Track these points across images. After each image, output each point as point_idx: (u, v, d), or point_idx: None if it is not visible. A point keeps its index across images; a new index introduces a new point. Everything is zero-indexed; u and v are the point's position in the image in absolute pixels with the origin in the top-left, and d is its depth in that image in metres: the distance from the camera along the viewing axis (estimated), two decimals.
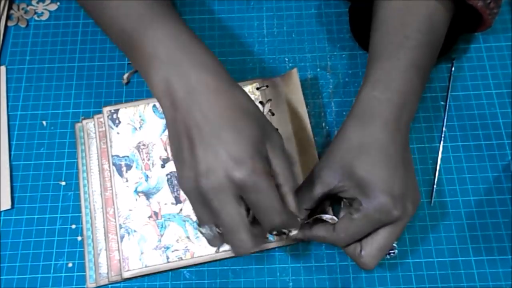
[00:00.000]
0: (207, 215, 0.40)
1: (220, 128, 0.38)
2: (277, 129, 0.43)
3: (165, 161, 0.51)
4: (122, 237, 0.48)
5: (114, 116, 0.52)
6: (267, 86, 0.53)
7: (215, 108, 0.39)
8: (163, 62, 0.41)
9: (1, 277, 0.48)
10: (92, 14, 0.48)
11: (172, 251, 0.48)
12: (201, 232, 0.41)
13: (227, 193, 0.38)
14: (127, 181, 0.50)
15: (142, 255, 0.48)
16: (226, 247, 0.47)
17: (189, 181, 0.39)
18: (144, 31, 0.42)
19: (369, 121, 0.43)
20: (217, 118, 0.38)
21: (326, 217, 0.44)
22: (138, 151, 0.51)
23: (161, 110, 0.44)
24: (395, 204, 0.41)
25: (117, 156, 0.51)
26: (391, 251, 0.45)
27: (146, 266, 0.47)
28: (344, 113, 0.54)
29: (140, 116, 0.52)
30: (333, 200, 0.47)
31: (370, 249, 0.43)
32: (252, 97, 0.53)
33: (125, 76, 0.56)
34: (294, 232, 0.42)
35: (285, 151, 0.42)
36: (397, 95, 0.44)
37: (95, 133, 0.53)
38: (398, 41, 0.46)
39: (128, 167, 0.51)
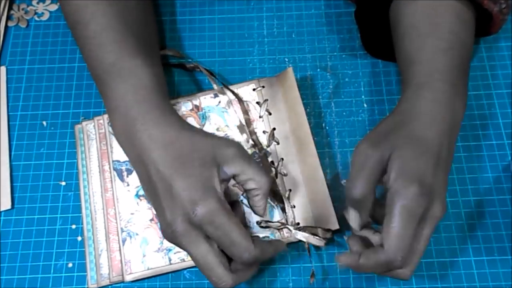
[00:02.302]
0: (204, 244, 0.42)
1: (171, 179, 0.42)
2: (235, 141, 0.46)
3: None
4: (124, 241, 0.48)
5: None
6: (263, 87, 0.54)
7: (165, 163, 0.42)
8: (121, 116, 0.45)
9: (1, 277, 0.48)
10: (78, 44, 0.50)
11: (174, 253, 0.48)
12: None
13: (191, 235, 0.41)
14: (128, 185, 0.50)
15: (145, 257, 0.48)
16: None
17: (164, 233, 0.43)
18: (110, 82, 0.46)
19: (417, 118, 0.43)
20: (167, 170, 0.42)
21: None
22: None
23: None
24: (422, 194, 0.39)
25: (118, 161, 0.51)
26: None
27: (148, 269, 0.47)
28: (344, 113, 0.54)
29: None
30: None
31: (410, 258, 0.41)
32: (249, 98, 0.53)
33: None
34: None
35: (248, 157, 0.44)
36: (443, 95, 0.43)
37: (95, 134, 0.53)
38: (432, 43, 0.46)
39: (129, 171, 0.51)
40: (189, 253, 0.42)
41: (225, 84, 0.54)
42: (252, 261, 0.42)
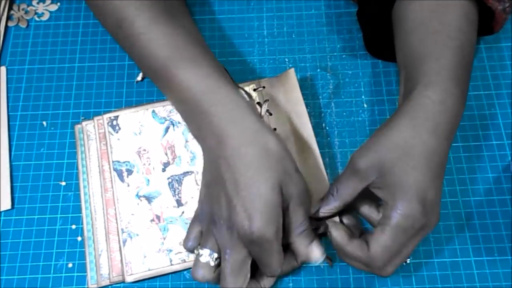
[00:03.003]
0: (214, 241, 0.43)
1: (247, 179, 0.41)
2: (298, 171, 0.44)
3: (165, 165, 0.51)
4: (124, 241, 0.48)
5: (114, 122, 0.52)
6: (264, 87, 0.54)
7: (246, 159, 0.41)
8: (243, 140, 0.42)
9: (1, 277, 0.48)
10: (155, 73, 0.48)
11: (175, 254, 0.48)
12: (196, 254, 0.44)
13: (236, 239, 0.41)
14: (128, 186, 0.50)
15: (145, 258, 0.48)
16: None
17: (209, 211, 0.43)
18: (174, 74, 0.45)
19: (420, 122, 0.42)
20: (247, 169, 0.41)
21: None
22: (139, 156, 0.51)
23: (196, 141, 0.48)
24: (425, 213, 0.40)
25: (118, 161, 0.51)
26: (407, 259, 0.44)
27: (149, 270, 0.47)
28: (344, 113, 0.54)
29: (139, 122, 0.52)
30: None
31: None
32: (248, 99, 0.53)
33: (141, 75, 0.56)
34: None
35: (305, 197, 0.44)
36: (451, 98, 0.42)
37: (94, 134, 0.53)
38: (441, 41, 0.45)
39: (129, 172, 0.51)
40: (225, 245, 0.42)
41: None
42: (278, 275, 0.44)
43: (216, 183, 0.43)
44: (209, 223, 0.43)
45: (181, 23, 0.48)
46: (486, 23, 0.50)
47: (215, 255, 0.43)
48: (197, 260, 0.44)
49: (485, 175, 0.51)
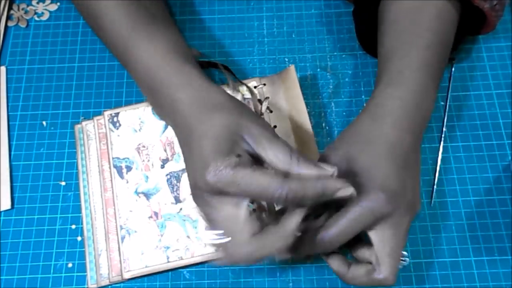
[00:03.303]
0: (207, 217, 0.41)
1: (196, 125, 0.41)
2: (263, 120, 0.43)
3: (164, 162, 0.51)
4: (122, 238, 0.48)
5: (115, 119, 0.52)
6: (264, 84, 0.54)
7: (191, 107, 0.42)
8: (149, 78, 0.44)
9: (1, 277, 0.48)
10: (116, 49, 0.49)
11: (173, 251, 0.48)
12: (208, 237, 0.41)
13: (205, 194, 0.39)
14: (127, 182, 0.50)
15: (143, 255, 0.48)
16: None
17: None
18: (174, 89, 0.44)
19: (380, 118, 0.43)
20: (193, 116, 0.42)
21: None
22: (138, 152, 0.51)
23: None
24: (388, 200, 0.40)
25: (118, 158, 0.51)
26: (402, 260, 0.43)
27: (146, 266, 0.47)
28: (344, 113, 0.54)
29: (139, 118, 0.53)
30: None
31: (383, 260, 0.41)
32: (250, 95, 0.53)
33: None
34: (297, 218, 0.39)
35: (273, 137, 0.41)
36: (411, 94, 0.44)
37: (94, 134, 0.53)
38: (409, 40, 0.46)
39: (128, 168, 0.51)
40: (212, 217, 0.40)
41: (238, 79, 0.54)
42: (291, 199, 0.37)
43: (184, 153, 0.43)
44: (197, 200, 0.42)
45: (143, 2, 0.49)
46: (480, 22, 0.50)
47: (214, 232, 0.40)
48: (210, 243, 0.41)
49: (485, 175, 0.51)
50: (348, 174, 0.42)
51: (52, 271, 0.49)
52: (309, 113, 0.53)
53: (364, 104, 0.54)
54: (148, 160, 0.51)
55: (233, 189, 0.38)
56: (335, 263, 0.44)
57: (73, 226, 0.50)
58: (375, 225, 0.41)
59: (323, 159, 0.44)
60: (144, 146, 0.52)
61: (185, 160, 0.42)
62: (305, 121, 0.51)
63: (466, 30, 0.52)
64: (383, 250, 0.41)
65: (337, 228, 0.40)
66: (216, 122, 0.40)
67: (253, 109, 0.52)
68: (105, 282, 0.48)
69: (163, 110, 0.46)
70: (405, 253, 0.43)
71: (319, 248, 0.41)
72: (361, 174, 0.41)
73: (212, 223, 0.40)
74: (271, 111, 0.53)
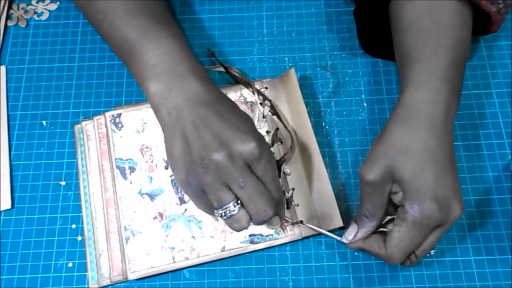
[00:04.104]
0: (226, 192, 0.42)
1: (224, 116, 0.43)
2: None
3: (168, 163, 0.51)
4: (127, 239, 0.48)
5: (117, 120, 0.52)
6: (266, 88, 0.54)
7: (214, 114, 0.43)
8: (161, 74, 0.44)
9: (1, 277, 0.48)
10: (91, 17, 0.49)
11: (178, 251, 0.48)
12: (219, 216, 0.43)
13: (239, 163, 0.41)
14: (131, 183, 0.50)
15: (148, 256, 0.48)
16: (231, 245, 0.48)
17: (203, 159, 0.41)
18: (148, 44, 0.45)
19: (416, 125, 0.42)
20: (217, 115, 0.43)
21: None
22: (142, 153, 0.51)
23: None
24: (440, 209, 0.40)
25: (121, 159, 0.51)
26: (430, 252, 0.45)
27: (152, 267, 0.47)
28: (344, 112, 0.54)
29: (142, 119, 0.52)
30: None
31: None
32: (252, 99, 0.53)
33: None
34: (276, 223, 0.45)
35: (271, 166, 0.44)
36: (443, 96, 0.43)
37: (94, 134, 0.53)
38: (434, 40, 0.45)
39: (132, 169, 0.51)
40: (238, 181, 0.42)
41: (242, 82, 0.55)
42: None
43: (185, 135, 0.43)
44: (200, 177, 0.42)
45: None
46: (483, 23, 0.50)
47: (231, 204, 0.42)
48: (225, 221, 0.43)
49: (485, 174, 0.51)
50: (395, 188, 0.42)
51: (52, 270, 0.49)
52: (308, 112, 0.53)
53: (364, 104, 0.55)
54: (152, 161, 0.51)
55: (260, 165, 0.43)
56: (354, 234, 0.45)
57: (73, 226, 0.50)
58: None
59: (363, 178, 0.43)
60: (147, 147, 0.52)
61: (197, 137, 0.42)
62: (306, 123, 0.52)
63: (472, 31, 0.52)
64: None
65: (400, 249, 0.42)
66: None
67: (258, 112, 0.53)
68: (106, 282, 0.48)
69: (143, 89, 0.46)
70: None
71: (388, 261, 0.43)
72: (408, 186, 0.41)
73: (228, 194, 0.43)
74: (273, 114, 0.52)
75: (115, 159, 0.51)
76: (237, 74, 0.55)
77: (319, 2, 0.60)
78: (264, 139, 0.43)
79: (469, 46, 0.48)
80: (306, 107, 0.52)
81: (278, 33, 0.59)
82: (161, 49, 0.44)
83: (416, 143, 0.42)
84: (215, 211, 0.43)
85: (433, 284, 0.47)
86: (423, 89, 0.43)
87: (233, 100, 0.53)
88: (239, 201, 0.42)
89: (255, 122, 0.52)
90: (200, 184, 0.42)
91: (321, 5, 0.60)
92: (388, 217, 0.45)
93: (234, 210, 0.42)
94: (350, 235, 0.45)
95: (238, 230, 0.44)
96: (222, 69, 0.56)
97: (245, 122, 0.43)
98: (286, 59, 0.57)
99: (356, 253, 0.48)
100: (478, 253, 0.48)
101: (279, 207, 0.44)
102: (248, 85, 0.54)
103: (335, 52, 0.58)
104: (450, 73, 0.44)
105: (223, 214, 0.43)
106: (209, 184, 0.42)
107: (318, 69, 0.57)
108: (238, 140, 0.41)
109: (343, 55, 0.57)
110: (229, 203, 0.42)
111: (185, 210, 0.49)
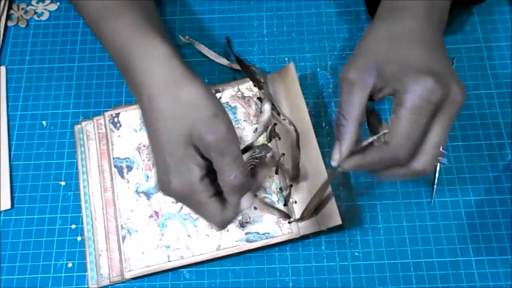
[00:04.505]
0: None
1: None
2: (218, 116, 0.41)
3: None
4: (123, 238, 0.48)
5: (115, 119, 0.52)
6: (264, 82, 0.54)
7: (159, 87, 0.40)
8: (156, 91, 0.41)
9: (1, 277, 0.48)
10: (91, 26, 0.48)
11: (173, 250, 0.48)
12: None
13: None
14: (128, 182, 0.50)
15: (143, 255, 0.48)
16: (227, 244, 0.48)
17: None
18: (141, 60, 0.42)
19: (399, 15, 0.41)
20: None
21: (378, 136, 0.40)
22: (139, 152, 0.51)
23: None
24: (438, 82, 0.37)
25: (118, 158, 0.51)
26: (441, 158, 0.40)
27: (147, 266, 0.47)
28: None
29: (140, 119, 0.53)
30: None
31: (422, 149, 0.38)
32: (250, 93, 0.53)
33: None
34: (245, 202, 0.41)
35: (227, 144, 0.39)
36: (418, 19, 0.40)
37: (94, 134, 0.53)
38: None
39: (129, 168, 0.51)
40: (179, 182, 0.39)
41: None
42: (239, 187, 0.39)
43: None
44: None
45: None
46: None
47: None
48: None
49: (485, 174, 0.51)
50: (385, 75, 0.39)
51: (52, 271, 0.49)
52: (309, 112, 0.52)
53: None
54: (149, 160, 0.51)
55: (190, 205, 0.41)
56: (349, 160, 0.40)
57: (73, 226, 0.50)
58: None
59: (345, 77, 0.40)
60: (144, 146, 0.52)
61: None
62: (305, 117, 0.51)
63: (460, 1, 0.51)
64: (429, 140, 0.38)
65: (405, 138, 0.37)
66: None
67: (256, 107, 0.53)
68: (106, 282, 0.48)
69: (130, 85, 0.44)
70: (444, 151, 0.40)
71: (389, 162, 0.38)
72: (398, 72, 0.38)
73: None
74: (278, 113, 0.52)
75: (113, 158, 0.51)
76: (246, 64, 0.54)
77: (319, 2, 0.60)
78: (185, 175, 0.39)
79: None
80: (307, 107, 0.52)
81: (278, 33, 0.59)
82: (156, 65, 0.42)
83: (401, 29, 0.40)
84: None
85: (434, 284, 0.47)
86: (397, 11, 0.41)
87: (230, 95, 0.53)
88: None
89: (251, 117, 0.52)
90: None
91: (321, 5, 0.60)
92: (372, 138, 0.41)
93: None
94: (335, 154, 0.41)
95: (211, 220, 0.40)
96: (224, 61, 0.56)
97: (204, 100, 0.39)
98: (286, 59, 0.57)
99: (356, 253, 0.48)
100: (478, 253, 0.48)
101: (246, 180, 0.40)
102: (253, 77, 0.53)
103: (335, 52, 0.58)
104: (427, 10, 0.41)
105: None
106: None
107: (318, 69, 0.57)
108: (161, 177, 0.39)
109: (343, 55, 0.57)
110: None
111: (181, 208, 0.49)
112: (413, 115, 0.37)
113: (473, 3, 0.52)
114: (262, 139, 0.50)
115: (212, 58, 0.57)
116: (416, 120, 0.37)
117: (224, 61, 0.56)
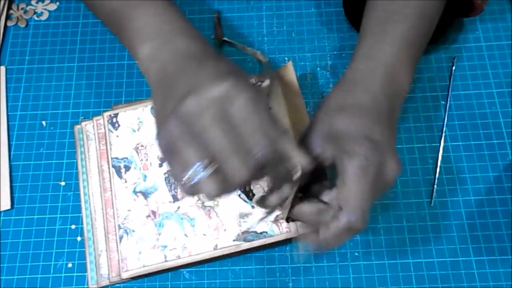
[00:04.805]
0: (195, 150, 0.35)
1: (203, 64, 0.39)
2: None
3: (162, 161, 0.51)
4: (121, 238, 0.48)
5: (114, 120, 0.52)
6: (263, 81, 0.53)
7: (202, 72, 0.38)
8: (150, 35, 0.42)
9: (1, 277, 0.48)
10: None
11: (170, 250, 0.48)
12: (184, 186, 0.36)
13: (213, 112, 0.35)
14: (126, 182, 0.50)
15: (140, 255, 0.48)
16: (224, 243, 0.47)
17: (173, 110, 0.36)
18: (133, 8, 0.43)
19: (351, 88, 0.42)
20: (197, 64, 0.39)
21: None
22: (137, 152, 0.51)
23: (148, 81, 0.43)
24: (375, 149, 0.38)
25: (116, 158, 0.51)
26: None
27: (144, 266, 0.47)
28: None
29: (138, 118, 0.53)
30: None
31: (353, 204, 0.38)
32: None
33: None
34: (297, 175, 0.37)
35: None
36: (382, 67, 0.43)
37: (94, 135, 0.53)
38: (385, 16, 0.45)
39: (127, 168, 0.51)
40: (204, 137, 0.35)
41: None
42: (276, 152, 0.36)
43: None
44: (169, 132, 0.36)
45: None
46: (468, 4, 0.51)
47: (197, 167, 0.34)
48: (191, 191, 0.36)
49: (485, 174, 0.51)
50: (329, 144, 0.40)
51: (52, 271, 0.49)
52: (308, 112, 0.52)
53: None
54: (147, 159, 0.51)
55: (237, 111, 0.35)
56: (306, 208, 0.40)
57: (73, 226, 0.50)
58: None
59: (299, 144, 0.40)
60: (142, 146, 0.52)
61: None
62: (304, 117, 0.51)
63: (455, 13, 0.52)
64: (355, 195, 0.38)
65: (352, 193, 0.37)
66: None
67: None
68: (105, 282, 0.48)
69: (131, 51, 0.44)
70: None
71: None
72: (340, 135, 0.39)
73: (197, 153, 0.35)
74: (270, 108, 0.52)
75: (112, 158, 0.51)
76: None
77: (319, 2, 0.60)
78: (245, 77, 0.37)
79: (429, 26, 0.47)
80: (306, 106, 0.52)
81: (278, 33, 0.59)
82: (148, 12, 0.43)
83: (350, 101, 0.41)
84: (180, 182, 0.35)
85: (434, 284, 0.47)
86: (363, 61, 0.43)
87: None
88: (209, 166, 0.34)
89: None
90: (170, 142, 0.36)
91: (321, 5, 0.60)
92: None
93: (198, 175, 0.34)
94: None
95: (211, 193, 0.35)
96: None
97: (223, 64, 0.39)
98: (286, 59, 0.57)
99: (356, 254, 0.48)
100: (478, 253, 0.48)
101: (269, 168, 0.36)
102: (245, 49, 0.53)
103: (335, 52, 0.57)
104: (395, 48, 0.43)
105: (187, 181, 0.35)
106: (176, 139, 0.35)
107: (318, 69, 0.57)
108: (207, 82, 0.35)
109: (343, 55, 0.57)
110: (194, 165, 0.34)
111: (178, 208, 0.49)
112: (360, 174, 0.38)
113: (468, 16, 0.52)
114: None
115: None
116: (364, 178, 0.38)
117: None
